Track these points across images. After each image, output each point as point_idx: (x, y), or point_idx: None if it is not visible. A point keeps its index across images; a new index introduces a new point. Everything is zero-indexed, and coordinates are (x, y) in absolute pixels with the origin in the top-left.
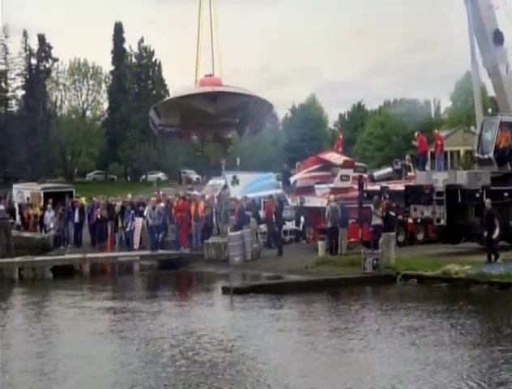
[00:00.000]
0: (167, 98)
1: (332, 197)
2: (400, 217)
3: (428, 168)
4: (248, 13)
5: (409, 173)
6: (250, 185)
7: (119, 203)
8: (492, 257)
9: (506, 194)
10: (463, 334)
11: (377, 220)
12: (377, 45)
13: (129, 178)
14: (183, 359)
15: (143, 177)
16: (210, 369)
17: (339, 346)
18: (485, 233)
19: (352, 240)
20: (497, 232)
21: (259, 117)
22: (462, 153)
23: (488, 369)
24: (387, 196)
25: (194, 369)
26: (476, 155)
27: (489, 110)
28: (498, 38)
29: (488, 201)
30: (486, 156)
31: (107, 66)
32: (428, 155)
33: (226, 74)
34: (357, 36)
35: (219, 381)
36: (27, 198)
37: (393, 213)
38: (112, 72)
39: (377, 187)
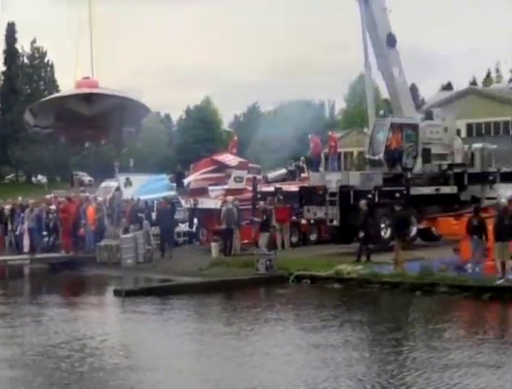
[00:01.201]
0: (42, 99)
1: (230, 198)
2: (294, 218)
3: (321, 169)
4: (146, 14)
5: (303, 174)
6: (144, 187)
7: (9, 206)
8: (364, 258)
9: (398, 195)
10: (356, 334)
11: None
12: (274, 47)
13: (21, 180)
14: (82, 365)
15: (35, 179)
16: (110, 374)
17: (242, 349)
18: (361, 234)
19: (246, 241)
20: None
21: (135, 120)
22: (355, 154)
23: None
24: (281, 197)
25: (95, 376)
26: (367, 156)
27: (381, 112)
28: (391, 41)
29: (363, 202)
30: (377, 157)
31: None
32: (322, 156)
33: (122, 75)
34: (255, 37)
35: (121, 387)
36: None
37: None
38: (3, 73)
39: (271, 188)
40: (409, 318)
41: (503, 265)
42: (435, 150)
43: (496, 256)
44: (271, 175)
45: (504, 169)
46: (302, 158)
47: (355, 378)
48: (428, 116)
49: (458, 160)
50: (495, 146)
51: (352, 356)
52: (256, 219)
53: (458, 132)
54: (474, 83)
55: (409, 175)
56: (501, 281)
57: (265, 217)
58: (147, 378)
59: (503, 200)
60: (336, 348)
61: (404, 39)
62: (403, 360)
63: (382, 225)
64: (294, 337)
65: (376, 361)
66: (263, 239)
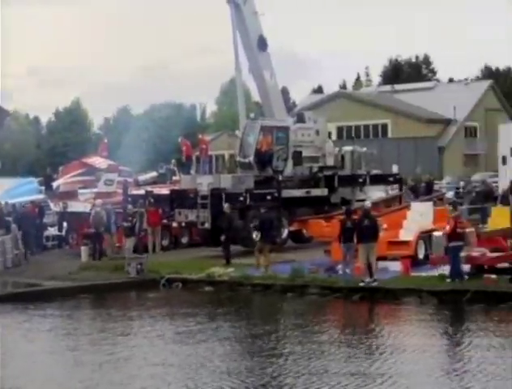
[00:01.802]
0: None
1: (99, 201)
2: (165, 221)
3: (193, 172)
4: (15, 14)
5: (174, 177)
6: (11, 191)
7: None
8: (224, 260)
9: (269, 198)
10: (233, 336)
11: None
12: (145, 48)
13: None
14: None
15: None
16: None
17: (118, 354)
18: (222, 237)
19: (118, 245)
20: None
21: None
22: (226, 157)
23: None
24: (152, 200)
25: None
26: (238, 158)
27: (252, 115)
28: (262, 44)
29: (226, 206)
30: (247, 160)
31: None
32: (193, 159)
33: None
34: (126, 38)
35: None
36: None
37: None
38: None
39: (141, 191)
40: (283, 321)
41: (369, 267)
42: (307, 153)
43: (360, 258)
44: (142, 178)
45: (374, 172)
46: (173, 161)
47: (237, 379)
48: (300, 119)
49: (330, 162)
50: (365, 149)
51: (232, 358)
52: (125, 223)
53: (329, 135)
54: (344, 86)
55: (280, 178)
56: (366, 282)
57: (133, 221)
58: None
59: (367, 203)
60: (214, 351)
61: (276, 42)
62: (283, 363)
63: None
64: (170, 341)
65: (256, 364)
66: (129, 243)
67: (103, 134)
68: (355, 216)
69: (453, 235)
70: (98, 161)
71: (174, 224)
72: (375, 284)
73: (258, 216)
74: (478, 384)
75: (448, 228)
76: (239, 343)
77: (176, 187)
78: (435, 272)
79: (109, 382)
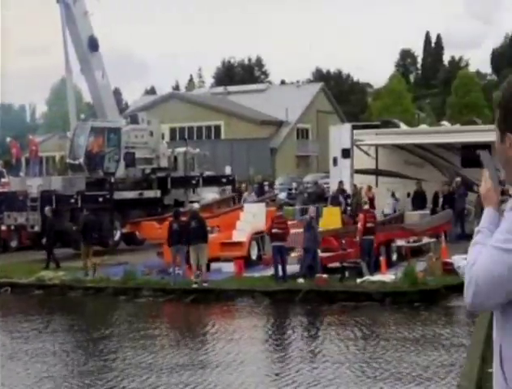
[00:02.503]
0: None
1: None
2: None
3: (22, 174)
4: None
5: (3, 179)
6: None
7: None
8: (53, 264)
9: (101, 200)
10: (70, 341)
11: None
12: None
13: None
14: None
15: None
16: None
17: None
18: (43, 240)
19: None
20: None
21: None
22: (57, 159)
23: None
24: None
25: None
26: (68, 160)
27: (82, 116)
28: (93, 44)
29: (47, 209)
30: (77, 162)
31: None
32: (23, 160)
33: None
34: None
35: None
36: None
37: None
38: None
39: None
40: (118, 324)
41: (200, 268)
42: (140, 154)
43: (191, 260)
44: None
45: (207, 173)
46: (1, 162)
47: (82, 382)
48: (134, 120)
49: (164, 164)
50: (198, 150)
51: (67, 362)
52: None
53: (162, 136)
54: (177, 87)
55: (112, 179)
56: (199, 283)
57: None
58: None
59: (196, 205)
60: (56, 355)
61: (108, 42)
62: (124, 365)
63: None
64: (7, 348)
65: (92, 367)
66: None
67: None
68: (184, 218)
69: (273, 235)
70: None
71: (3, 228)
72: (206, 285)
73: (81, 218)
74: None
75: (267, 227)
76: (77, 347)
77: (5, 189)
78: (268, 272)
79: None
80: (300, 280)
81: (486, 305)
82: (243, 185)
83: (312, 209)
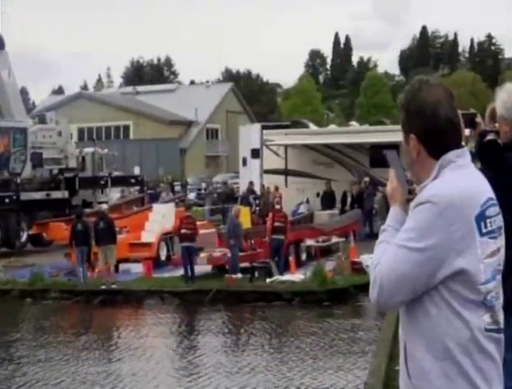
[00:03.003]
0: None
1: None
2: None
3: None
4: None
5: None
6: None
7: None
8: None
9: (8, 200)
10: None
11: None
12: None
13: None
14: None
15: None
16: None
17: None
18: None
19: None
20: None
21: None
22: None
23: None
24: None
25: None
26: None
27: None
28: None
29: None
30: None
31: None
32: None
33: None
34: None
35: None
36: None
37: None
38: None
39: None
40: (27, 327)
41: (108, 269)
42: (48, 154)
43: (99, 261)
44: None
45: (115, 174)
46: None
47: None
48: (42, 120)
49: (72, 164)
50: (106, 150)
51: None
52: None
53: (71, 136)
54: (85, 87)
55: (18, 180)
56: (107, 284)
57: None
58: None
59: (104, 206)
60: None
61: (15, 40)
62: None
63: None
64: None
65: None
66: None
67: None
68: (93, 219)
69: (181, 235)
70: None
71: None
72: (114, 286)
73: None
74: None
75: (174, 227)
76: None
77: None
78: (177, 273)
79: None
80: (239, 275)
81: (391, 303)
82: (162, 185)
83: (236, 208)
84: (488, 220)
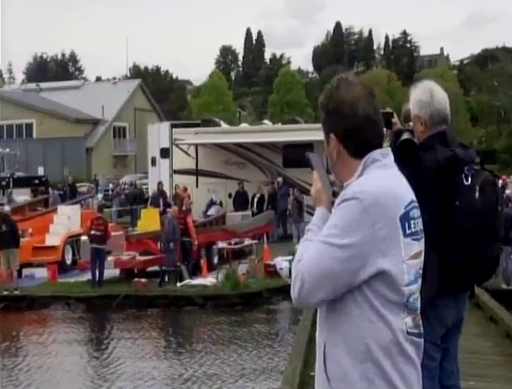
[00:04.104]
0: None
1: None
2: None
3: None
4: None
5: None
6: None
7: None
8: None
9: None
10: None
11: None
12: None
13: None
14: None
15: None
16: None
17: None
18: None
19: None
20: None
21: None
22: None
23: None
24: None
25: None
26: None
27: None
28: None
29: None
30: None
31: None
32: None
33: None
34: None
35: None
36: None
37: None
38: None
39: None
40: None
41: (11, 274)
42: None
43: (2, 265)
44: None
45: (18, 174)
46: None
47: None
48: None
49: None
50: (8, 150)
51: None
52: None
53: None
54: None
55: None
56: (11, 290)
57: None
58: None
59: (6, 208)
60: None
61: None
62: None
63: None
64: None
65: None
66: None
67: None
68: None
69: (91, 237)
70: None
71: None
72: (17, 292)
73: None
74: None
75: (86, 229)
76: None
77: None
78: (84, 277)
79: None
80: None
81: (312, 300)
82: (91, 185)
83: (173, 208)
84: (412, 222)
